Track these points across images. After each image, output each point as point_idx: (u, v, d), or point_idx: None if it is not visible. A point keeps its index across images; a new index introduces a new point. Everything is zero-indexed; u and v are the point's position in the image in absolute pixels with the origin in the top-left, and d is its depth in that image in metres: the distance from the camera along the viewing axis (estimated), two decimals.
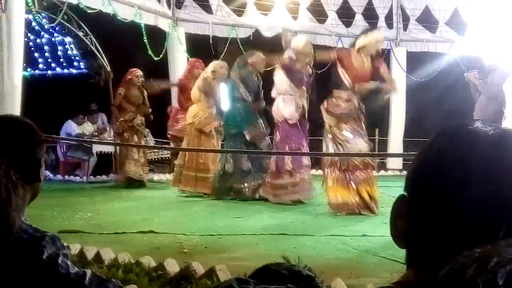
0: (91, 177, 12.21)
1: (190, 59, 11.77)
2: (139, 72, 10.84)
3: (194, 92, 9.83)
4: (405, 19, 14.12)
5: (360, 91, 7.75)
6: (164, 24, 12.37)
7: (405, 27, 14.14)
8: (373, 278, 4.48)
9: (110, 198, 9.18)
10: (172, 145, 11.18)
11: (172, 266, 4.15)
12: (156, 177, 11.96)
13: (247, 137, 8.95)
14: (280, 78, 8.66)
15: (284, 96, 8.60)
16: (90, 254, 4.44)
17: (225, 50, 12.73)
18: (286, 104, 8.57)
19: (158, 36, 12.38)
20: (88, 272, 2.34)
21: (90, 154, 12.90)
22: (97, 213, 7.66)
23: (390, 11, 14.04)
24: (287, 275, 1.79)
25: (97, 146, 12.59)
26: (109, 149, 12.93)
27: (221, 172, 9.10)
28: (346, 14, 13.80)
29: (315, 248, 5.66)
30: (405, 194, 0.99)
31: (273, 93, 8.78)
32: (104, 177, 12.06)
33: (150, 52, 11.98)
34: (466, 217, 0.91)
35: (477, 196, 0.90)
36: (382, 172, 12.69)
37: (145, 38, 11.76)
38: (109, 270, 3.96)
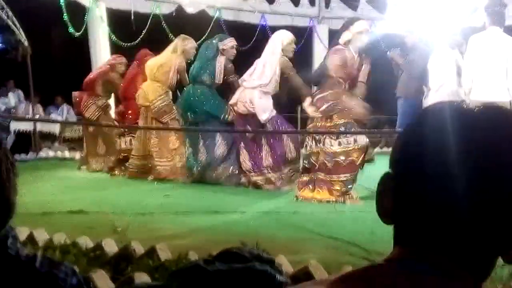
0: None
1: (112, 37, 11.50)
2: (124, 61, 10.26)
3: (152, 68, 9.00)
4: None
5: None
6: None
7: (327, 5, 14.29)
8: (310, 254, 4.52)
9: (32, 178, 8.90)
10: None
11: (111, 246, 4.06)
12: (78, 155, 11.69)
13: (229, 118, 8.27)
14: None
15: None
16: (22, 235, 4.27)
17: (147, 26, 12.50)
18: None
19: (78, 11, 12.02)
20: (39, 254, 2.26)
21: (7, 132, 12.50)
22: (20, 194, 7.40)
23: None
24: (249, 258, 1.79)
25: (15, 124, 12.20)
26: (27, 126, 12.57)
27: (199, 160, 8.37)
28: None
29: (249, 226, 5.67)
30: (390, 171, 0.99)
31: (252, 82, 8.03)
32: (23, 155, 11.70)
33: (70, 27, 11.63)
34: (450, 194, 0.92)
35: (460, 172, 0.91)
36: None
37: (64, 13, 11.41)
38: (45, 252, 3.84)
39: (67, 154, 12.19)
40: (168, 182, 8.49)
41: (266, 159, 7.95)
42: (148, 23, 12.45)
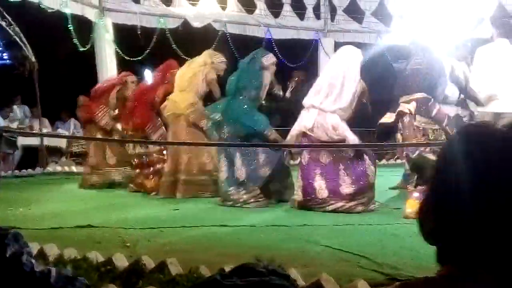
0: (16, 171, 11.86)
1: (118, 50, 11.52)
2: (134, 79, 10.25)
3: (184, 78, 8.88)
4: (333, 10, 14.34)
5: None
6: (90, 14, 12.11)
7: (333, 18, 14.35)
8: (321, 267, 4.51)
9: (40, 193, 8.96)
10: None
11: (121, 261, 4.05)
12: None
13: (271, 138, 7.81)
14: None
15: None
16: (33, 251, 4.27)
17: (154, 40, 12.58)
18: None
19: (84, 26, 12.10)
20: (53, 270, 2.26)
21: (15, 147, 12.53)
22: (29, 208, 7.45)
23: (318, 2, 14.23)
24: (265, 273, 1.79)
25: (22, 139, 12.24)
26: (35, 142, 12.60)
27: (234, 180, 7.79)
28: (274, 5, 13.87)
29: (259, 239, 5.65)
30: (430, 193, 1.00)
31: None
32: (30, 171, 11.74)
33: (76, 42, 11.70)
34: (488, 215, 0.92)
35: (498, 194, 0.91)
36: None
37: (71, 28, 11.48)
38: (55, 266, 3.83)
39: (74, 168, 12.21)
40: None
41: (346, 185, 7.27)
42: (154, 37, 12.52)
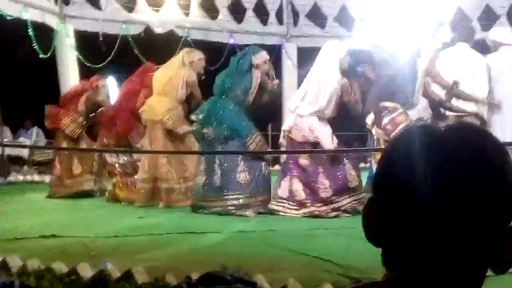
0: None
1: (80, 57, 11.39)
2: (105, 83, 10.09)
3: (161, 81, 8.49)
4: (295, 15, 14.38)
5: None
6: (51, 21, 11.96)
7: (295, 23, 14.40)
8: (288, 273, 4.51)
9: (2, 203, 8.80)
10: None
11: (86, 271, 4.01)
12: (47, 179, 11.53)
13: (250, 147, 7.55)
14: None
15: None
16: None
17: (116, 47, 12.47)
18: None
19: (46, 33, 11.95)
20: (16, 282, 2.24)
21: None
22: None
23: (280, 7, 14.25)
24: (231, 281, 1.78)
25: None
26: None
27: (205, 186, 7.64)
28: (237, 10, 13.87)
29: (225, 246, 5.64)
30: (374, 195, 1.01)
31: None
32: None
33: (37, 49, 11.55)
34: (428, 216, 0.93)
35: (437, 194, 0.92)
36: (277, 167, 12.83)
37: (31, 34, 11.33)
38: (19, 278, 3.77)
39: (36, 177, 12.05)
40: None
41: (324, 189, 7.24)
42: (117, 44, 12.42)
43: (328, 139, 7.31)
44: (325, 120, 7.44)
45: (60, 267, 4.11)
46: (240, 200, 7.41)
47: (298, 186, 7.29)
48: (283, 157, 7.92)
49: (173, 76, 8.44)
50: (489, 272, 0.98)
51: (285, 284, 3.62)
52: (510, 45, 8.04)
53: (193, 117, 8.00)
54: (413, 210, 0.94)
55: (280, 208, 7.30)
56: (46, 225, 6.63)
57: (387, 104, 7.61)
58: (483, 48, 7.92)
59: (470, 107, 7.30)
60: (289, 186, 7.33)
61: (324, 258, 4.94)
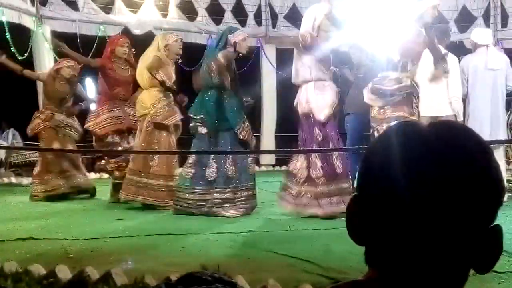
0: None
1: (57, 58, 11.28)
2: (72, 63, 9.43)
3: (143, 76, 8.14)
4: (274, 16, 14.40)
5: None
6: (28, 22, 11.86)
7: (274, 25, 14.41)
8: (267, 273, 4.52)
9: None
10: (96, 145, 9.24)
11: (64, 273, 3.98)
12: (25, 181, 11.44)
13: (240, 136, 7.37)
14: (306, 60, 7.32)
15: (315, 82, 7.29)
16: None
17: (94, 48, 12.39)
18: (322, 93, 7.27)
19: (22, 34, 11.85)
20: None
21: None
22: None
23: (259, 8, 14.27)
24: (211, 281, 1.78)
25: None
26: None
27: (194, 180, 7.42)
28: (216, 12, 13.85)
29: (204, 247, 5.63)
30: (357, 193, 1.01)
31: (296, 79, 7.48)
32: None
33: (14, 50, 11.44)
34: (411, 214, 0.93)
35: (418, 192, 0.93)
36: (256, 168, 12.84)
37: (8, 36, 11.23)
38: None
39: (13, 179, 11.94)
40: (120, 204, 8.30)
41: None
42: (94, 45, 12.34)
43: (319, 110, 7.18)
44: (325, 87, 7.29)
45: (38, 269, 4.08)
46: (227, 194, 7.31)
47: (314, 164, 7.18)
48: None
49: (152, 63, 8.06)
50: (472, 271, 0.98)
51: (264, 285, 3.62)
52: (485, 46, 8.17)
53: (190, 114, 7.72)
54: (395, 208, 0.94)
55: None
56: (23, 227, 6.58)
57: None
58: (460, 49, 8.00)
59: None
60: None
61: (304, 259, 4.95)
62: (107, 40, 11.98)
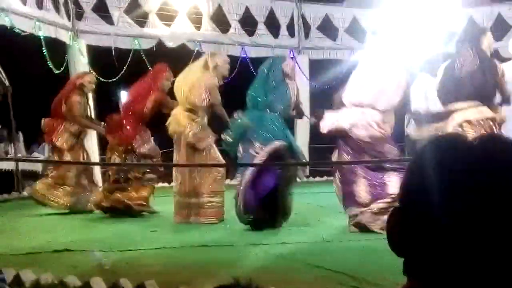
0: None
1: (93, 72, 11.40)
2: (92, 77, 9.60)
3: (184, 91, 7.93)
4: (306, 27, 14.40)
5: None
6: (64, 36, 12.04)
7: (307, 35, 14.41)
8: (300, 285, 4.50)
9: (15, 218, 8.83)
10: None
11: (98, 285, 4.01)
12: None
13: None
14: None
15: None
16: (8, 276, 4.21)
17: (129, 61, 12.53)
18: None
19: (58, 48, 12.03)
20: None
21: None
22: (4, 233, 7.34)
23: (292, 19, 14.29)
24: None
25: None
26: (9, 166, 12.46)
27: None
28: (248, 23, 13.91)
29: (237, 258, 5.63)
30: (399, 205, 1.01)
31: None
32: (5, 195, 11.58)
33: (50, 65, 11.62)
34: (451, 227, 0.92)
35: (462, 205, 0.91)
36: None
37: (44, 50, 11.41)
38: None
39: None
40: (153, 216, 8.36)
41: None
42: (129, 58, 12.48)
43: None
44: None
45: (73, 281, 4.11)
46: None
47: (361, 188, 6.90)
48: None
49: (195, 82, 7.89)
50: None
51: None
52: None
53: (225, 137, 7.55)
54: (442, 220, 0.93)
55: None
56: (59, 239, 6.65)
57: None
58: (496, 57, 7.88)
59: None
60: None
61: (338, 271, 4.91)
62: (142, 54, 12.16)
